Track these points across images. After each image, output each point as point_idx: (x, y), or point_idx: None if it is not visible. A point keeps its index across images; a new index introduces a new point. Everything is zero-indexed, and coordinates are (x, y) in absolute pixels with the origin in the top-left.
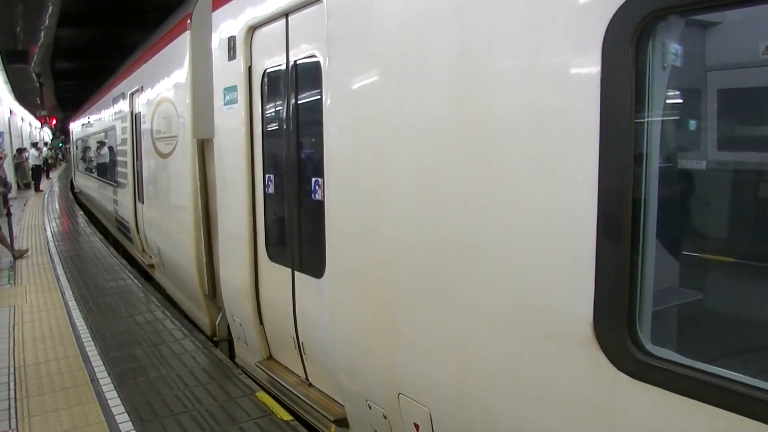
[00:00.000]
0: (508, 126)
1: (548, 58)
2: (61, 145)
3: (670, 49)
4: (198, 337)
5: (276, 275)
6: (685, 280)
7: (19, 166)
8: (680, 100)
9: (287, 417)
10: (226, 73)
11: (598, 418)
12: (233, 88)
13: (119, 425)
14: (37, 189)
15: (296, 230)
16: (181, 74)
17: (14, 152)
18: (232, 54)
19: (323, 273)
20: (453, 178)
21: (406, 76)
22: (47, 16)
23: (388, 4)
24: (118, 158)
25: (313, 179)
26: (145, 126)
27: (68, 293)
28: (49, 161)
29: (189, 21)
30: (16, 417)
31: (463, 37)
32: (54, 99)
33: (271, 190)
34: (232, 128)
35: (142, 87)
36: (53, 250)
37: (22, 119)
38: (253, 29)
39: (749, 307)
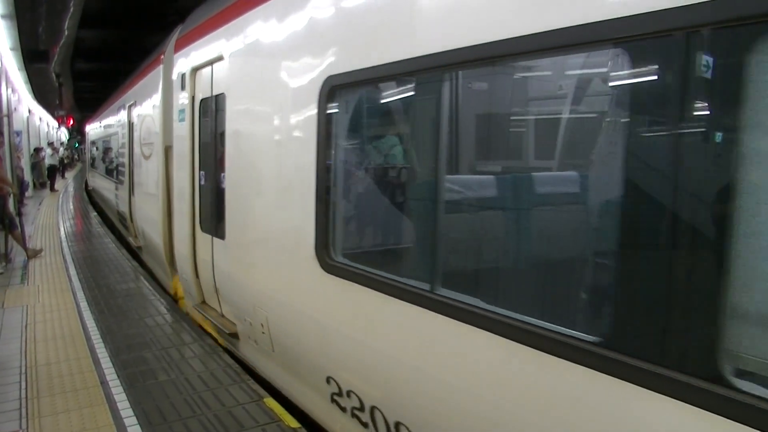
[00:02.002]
0: (288, 142)
1: (304, 107)
2: (77, 145)
3: (347, 102)
4: (207, 341)
5: (204, 241)
6: (358, 225)
7: (35, 166)
8: (353, 130)
9: (295, 424)
10: (180, 99)
11: (317, 294)
12: (183, 110)
13: (128, 429)
14: (52, 188)
15: (213, 208)
16: (157, 96)
17: (31, 151)
18: (182, 86)
19: (225, 236)
20: (266, 174)
21: (252, 110)
22: (69, 17)
23: (246, 69)
24: (119, 159)
25: (221, 174)
26: (136, 133)
27: (80, 294)
28: (65, 161)
29: (162, 56)
30: (27, 417)
31: (274, 95)
32: (72, 99)
33: (203, 182)
34: (183, 138)
35: (136, 101)
36: (66, 250)
37: (40, 119)
38: (195, 70)
39: (392, 234)
